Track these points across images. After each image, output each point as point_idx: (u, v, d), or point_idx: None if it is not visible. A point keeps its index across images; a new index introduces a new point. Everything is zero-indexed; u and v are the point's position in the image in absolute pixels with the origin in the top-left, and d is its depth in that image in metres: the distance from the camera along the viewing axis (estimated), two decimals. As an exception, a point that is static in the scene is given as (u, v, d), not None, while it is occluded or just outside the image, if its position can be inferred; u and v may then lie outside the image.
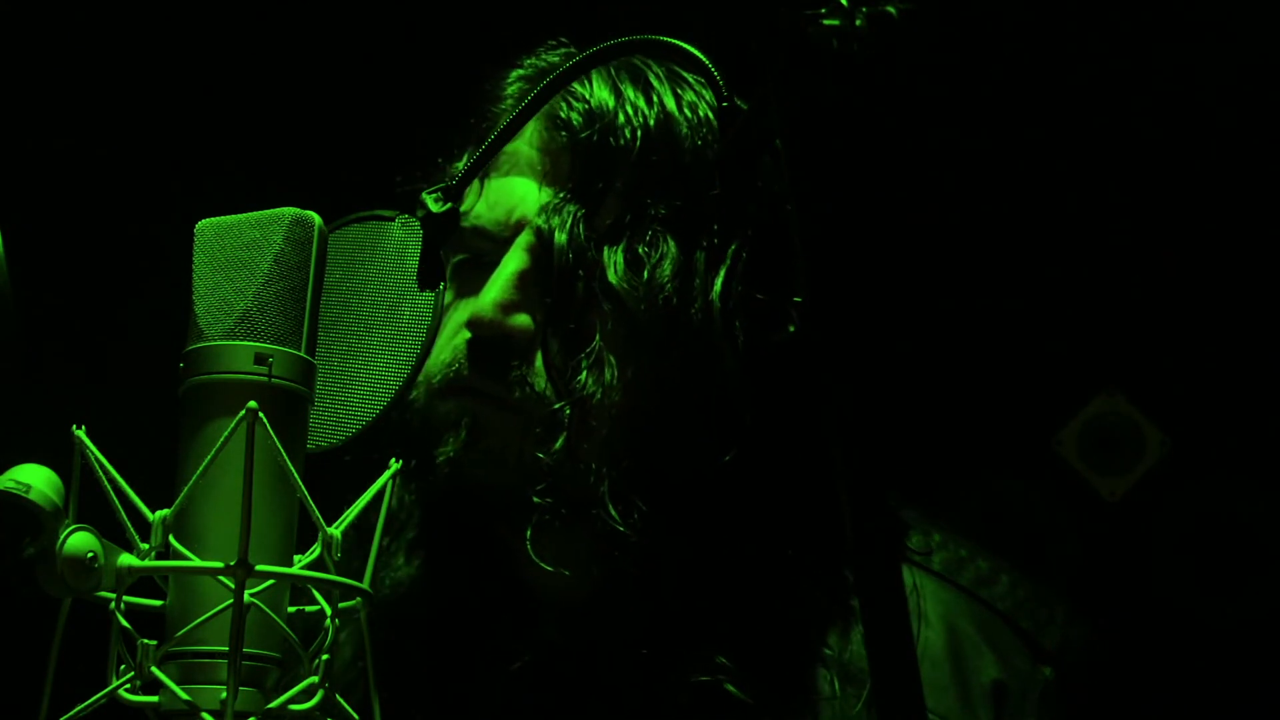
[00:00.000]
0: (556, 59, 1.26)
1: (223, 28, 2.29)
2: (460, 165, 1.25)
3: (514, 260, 1.19)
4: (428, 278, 1.10)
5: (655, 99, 1.20)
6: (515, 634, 1.20)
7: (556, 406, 1.14)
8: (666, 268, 1.16)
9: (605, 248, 1.17)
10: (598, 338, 1.16)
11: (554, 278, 1.16)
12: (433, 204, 1.12)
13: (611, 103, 1.19)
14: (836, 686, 1.15)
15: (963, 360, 2.67)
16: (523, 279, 1.18)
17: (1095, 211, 2.65)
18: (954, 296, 2.66)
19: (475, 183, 1.23)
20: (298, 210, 0.88)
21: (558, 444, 1.14)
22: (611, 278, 1.16)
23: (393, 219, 1.13)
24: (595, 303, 1.16)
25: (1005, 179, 2.62)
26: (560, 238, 1.16)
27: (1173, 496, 2.78)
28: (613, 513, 1.14)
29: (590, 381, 1.15)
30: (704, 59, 1.09)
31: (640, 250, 1.17)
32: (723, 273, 1.16)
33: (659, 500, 1.14)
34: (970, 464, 2.71)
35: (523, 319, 1.18)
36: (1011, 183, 2.63)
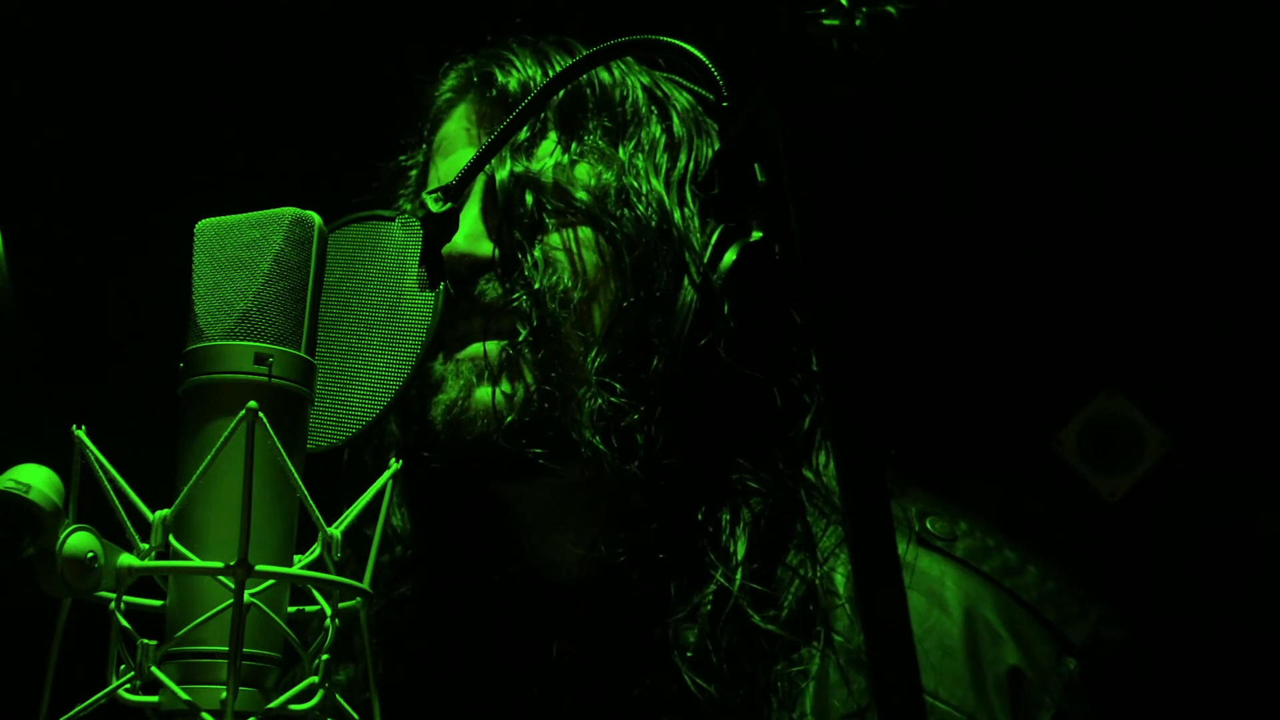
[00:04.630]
0: (477, 58, 1.31)
1: (223, 27, 2.29)
2: (405, 160, 1.34)
3: (475, 202, 1.24)
4: (428, 277, 1.10)
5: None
6: (528, 611, 1.22)
7: (513, 296, 1.19)
8: (611, 173, 1.23)
9: (551, 166, 1.23)
10: (552, 234, 1.22)
11: (500, 202, 1.22)
12: (433, 204, 1.13)
13: (540, 74, 1.26)
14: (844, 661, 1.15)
15: (963, 360, 2.67)
16: (485, 215, 1.23)
17: (1096, 211, 2.65)
18: (954, 296, 2.66)
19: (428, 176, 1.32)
20: (298, 210, 0.88)
21: (521, 337, 1.18)
22: (568, 189, 1.22)
23: (393, 219, 1.14)
24: (546, 212, 1.22)
25: (1006, 178, 2.62)
26: (502, 172, 1.22)
27: (1173, 496, 2.78)
28: (601, 392, 1.17)
29: (547, 278, 1.19)
30: (704, 59, 1.09)
31: (584, 162, 1.24)
32: (674, 179, 1.24)
33: (642, 383, 1.18)
34: (970, 464, 2.71)
35: (488, 246, 1.22)
36: (1012, 182, 2.63)
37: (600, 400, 1.17)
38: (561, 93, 1.24)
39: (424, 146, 1.34)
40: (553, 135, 1.25)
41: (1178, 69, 2.52)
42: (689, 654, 1.14)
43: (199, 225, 0.89)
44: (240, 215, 0.88)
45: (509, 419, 1.17)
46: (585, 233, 1.22)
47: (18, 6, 2.19)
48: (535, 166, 1.23)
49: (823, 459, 1.22)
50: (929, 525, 1.24)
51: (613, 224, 1.21)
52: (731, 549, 1.17)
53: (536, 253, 1.20)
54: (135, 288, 2.10)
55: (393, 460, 0.89)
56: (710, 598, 1.15)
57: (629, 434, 1.17)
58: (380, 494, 0.88)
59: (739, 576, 1.15)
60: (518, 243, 1.21)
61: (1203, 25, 2.47)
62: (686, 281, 1.17)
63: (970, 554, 1.23)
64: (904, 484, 1.25)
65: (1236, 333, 2.67)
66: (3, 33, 2.15)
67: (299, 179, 2.12)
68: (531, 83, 1.25)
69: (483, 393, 1.19)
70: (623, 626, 1.18)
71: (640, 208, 1.21)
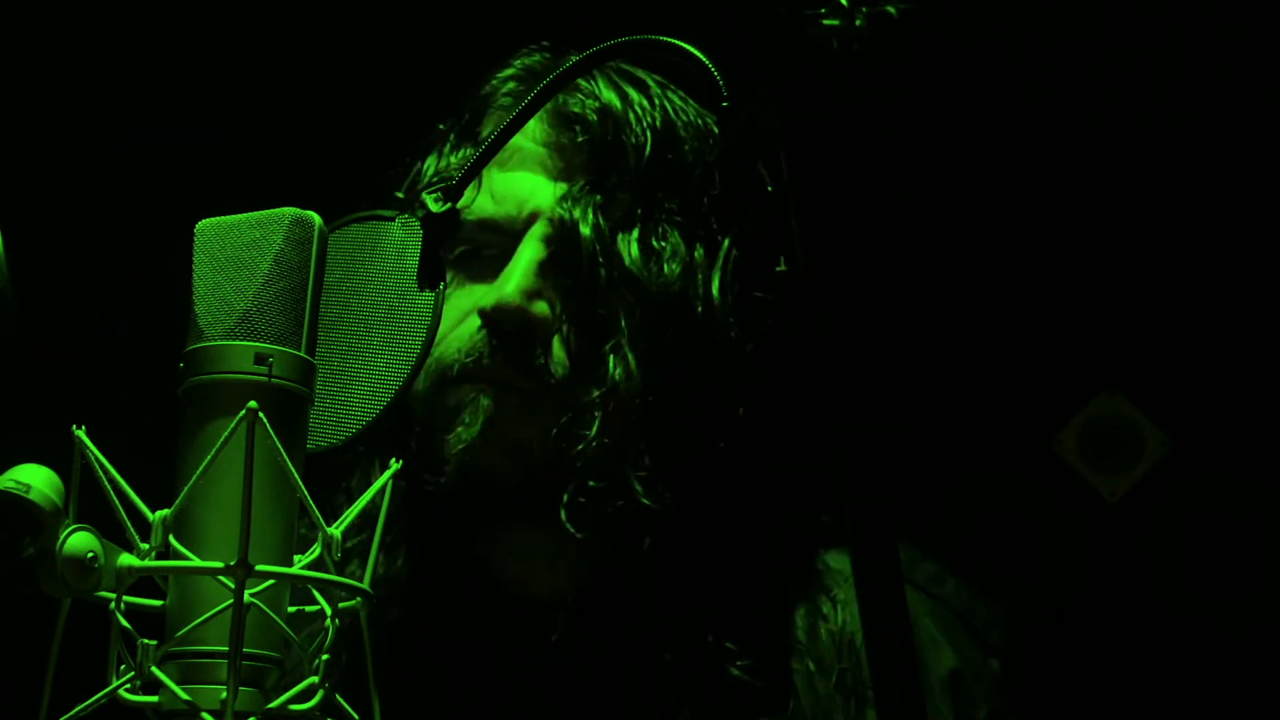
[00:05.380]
0: (538, 59, 1.30)
1: (223, 26, 2.29)
2: (454, 160, 1.29)
3: (530, 250, 1.22)
4: (428, 277, 1.10)
5: (656, 102, 1.25)
6: (503, 637, 1.23)
7: (594, 395, 1.18)
8: (676, 261, 1.21)
9: (620, 237, 1.21)
10: (623, 325, 1.20)
11: (582, 265, 1.19)
12: (433, 204, 1.13)
13: (619, 103, 1.24)
14: (812, 666, 1.21)
15: (963, 360, 2.67)
16: (541, 268, 1.21)
17: (1096, 211, 2.65)
18: (955, 296, 2.66)
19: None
20: (298, 210, 0.88)
21: (593, 430, 1.17)
22: (630, 266, 1.20)
23: (393, 219, 1.14)
24: (614, 291, 1.20)
25: (1007, 178, 2.62)
26: (585, 227, 1.19)
27: (1173, 496, 2.78)
28: (641, 492, 1.17)
29: (618, 370, 1.18)
30: (704, 59, 1.09)
31: (653, 242, 1.21)
32: (719, 267, 1.21)
33: (678, 481, 1.19)
34: (970, 464, 2.71)
35: (543, 306, 1.21)
36: (1013, 182, 2.63)
37: (639, 489, 1.18)
38: (647, 154, 1.22)
39: (470, 141, 1.31)
40: (626, 203, 1.22)
41: (1178, 69, 2.52)
42: (675, 680, 1.18)
43: (199, 225, 0.89)
44: (240, 215, 0.88)
45: (567, 496, 1.18)
46: (650, 321, 1.20)
47: (19, 6, 2.19)
48: (610, 235, 1.21)
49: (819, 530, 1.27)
50: None
51: (670, 315, 1.20)
52: (720, 598, 1.20)
53: (610, 345, 1.19)
54: (136, 288, 2.10)
55: (393, 460, 0.89)
56: (693, 639, 1.19)
57: (651, 525, 1.19)
58: (380, 494, 0.88)
59: (722, 625, 1.19)
60: (592, 325, 1.20)
61: (1203, 24, 2.47)
62: (720, 374, 1.20)
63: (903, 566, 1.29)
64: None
65: (1236, 333, 2.67)
66: (3, 32, 2.15)
67: (299, 179, 2.12)
68: (617, 130, 1.23)
69: (498, 445, 1.19)
70: (611, 654, 1.20)
71: (694, 302, 1.20)
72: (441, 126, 1.32)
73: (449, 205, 1.13)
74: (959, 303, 2.66)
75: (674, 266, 1.20)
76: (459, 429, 1.19)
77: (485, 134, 1.30)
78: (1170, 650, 2.69)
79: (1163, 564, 2.76)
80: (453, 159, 1.30)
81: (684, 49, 1.10)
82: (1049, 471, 2.79)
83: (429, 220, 1.12)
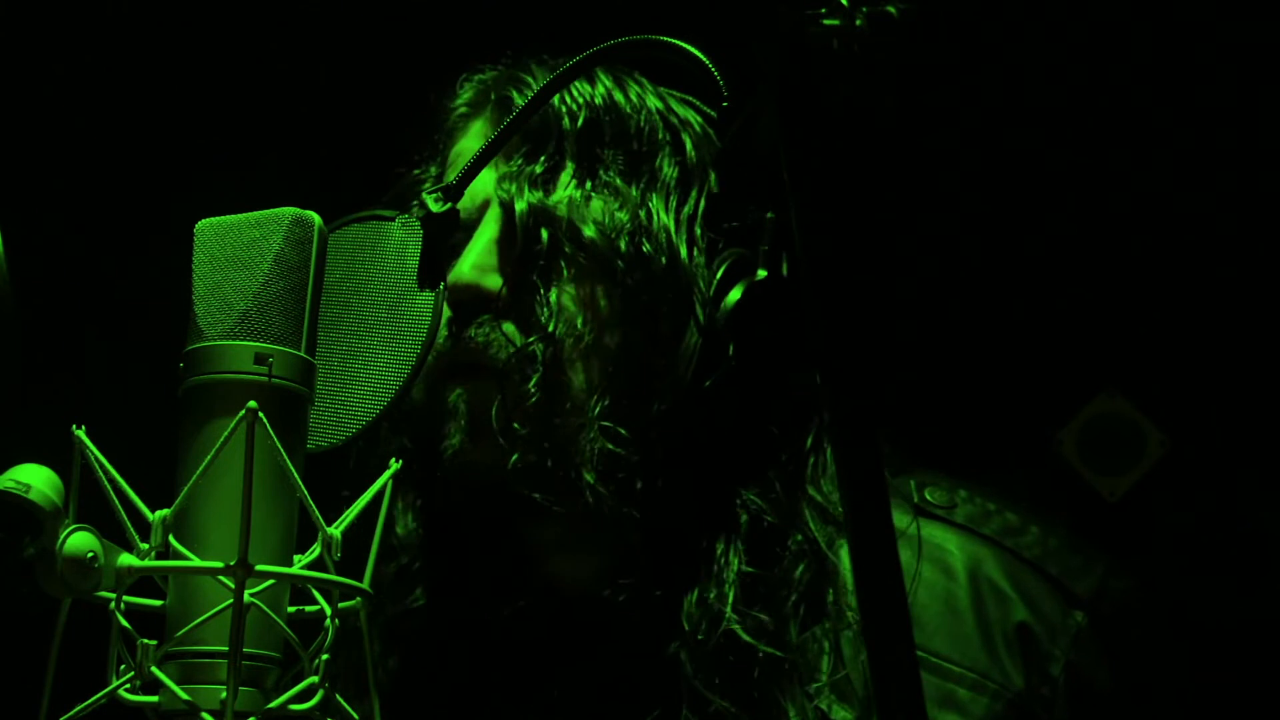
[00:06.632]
0: (491, 74, 1.34)
1: (223, 26, 2.29)
2: (419, 172, 1.34)
3: (486, 230, 1.25)
4: (428, 277, 1.10)
5: (599, 84, 1.29)
6: (535, 627, 1.23)
7: (528, 341, 1.20)
8: (625, 212, 1.23)
9: (565, 200, 1.24)
10: (565, 277, 1.22)
11: (519, 235, 1.23)
12: (433, 204, 1.13)
13: (558, 98, 1.26)
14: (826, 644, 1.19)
15: (963, 360, 2.67)
16: (495, 244, 1.25)
17: (1095, 211, 2.65)
18: (954, 296, 2.66)
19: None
20: (298, 210, 0.88)
21: (533, 382, 1.18)
22: (576, 221, 1.23)
23: (393, 219, 1.14)
24: (561, 253, 1.23)
25: (1006, 178, 2.62)
26: (520, 203, 1.23)
27: (1173, 496, 2.77)
28: (603, 438, 1.19)
29: (561, 323, 1.20)
30: (704, 59, 1.09)
31: (599, 198, 1.24)
32: (684, 216, 1.25)
33: (643, 426, 1.20)
34: (970, 464, 2.70)
35: (495, 279, 1.23)
36: (1012, 182, 2.63)
37: (601, 444, 1.19)
38: (581, 121, 1.25)
39: (438, 158, 1.35)
40: (570, 167, 1.26)
41: (1177, 69, 2.52)
42: (694, 671, 1.17)
43: (199, 225, 0.89)
44: (240, 215, 0.88)
45: (513, 461, 1.19)
46: (597, 274, 1.23)
47: (18, 5, 2.18)
48: (551, 200, 1.24)
49: (819, 469, 1.25)
50: (928, 496, 1.29)
51: (622, 265, 1.22)
52: (727, 576, 1.19)
53: (552, 296, 1.21)
54: (135, 288, 2.10)
55: (393, 460, 0.89)
56: (708, 621, 1.18)
57: (629, 477, 1.19)
58: (380, 494, 0.88)
59: (731, 596, 1.18)
60: (533, 284, 1.22)
61: (1204, 24, 2.47)
62: (691, 324, 1.20)
63: (970, 519, 1.28)
64: (906, 464, 1.30)
65: (1236, 333, 2.66)
66: (3, 31, 2.15)
67: (299, 179, 2.12)
68: (550, 107, 1.25)
69: (486, 438, 1.20)
70: (629, 646, 1.20)
71: (651, 250, 1.22)
72: (417, 168, 1.37)
73: (449, 205, 1.13)
74: (958, 302, 2.66)
75: (622, 216, 1.23)
76: (448, 438, 1.21)
77: (443, 148, 1.34)
78: (1169, 649, 2.69)
79: (1163, 564, 2.75)
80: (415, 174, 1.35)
81: (684, 49, 1.10)
82: (1049, 471, 2.79)
83: (429, 220, 1.12)
